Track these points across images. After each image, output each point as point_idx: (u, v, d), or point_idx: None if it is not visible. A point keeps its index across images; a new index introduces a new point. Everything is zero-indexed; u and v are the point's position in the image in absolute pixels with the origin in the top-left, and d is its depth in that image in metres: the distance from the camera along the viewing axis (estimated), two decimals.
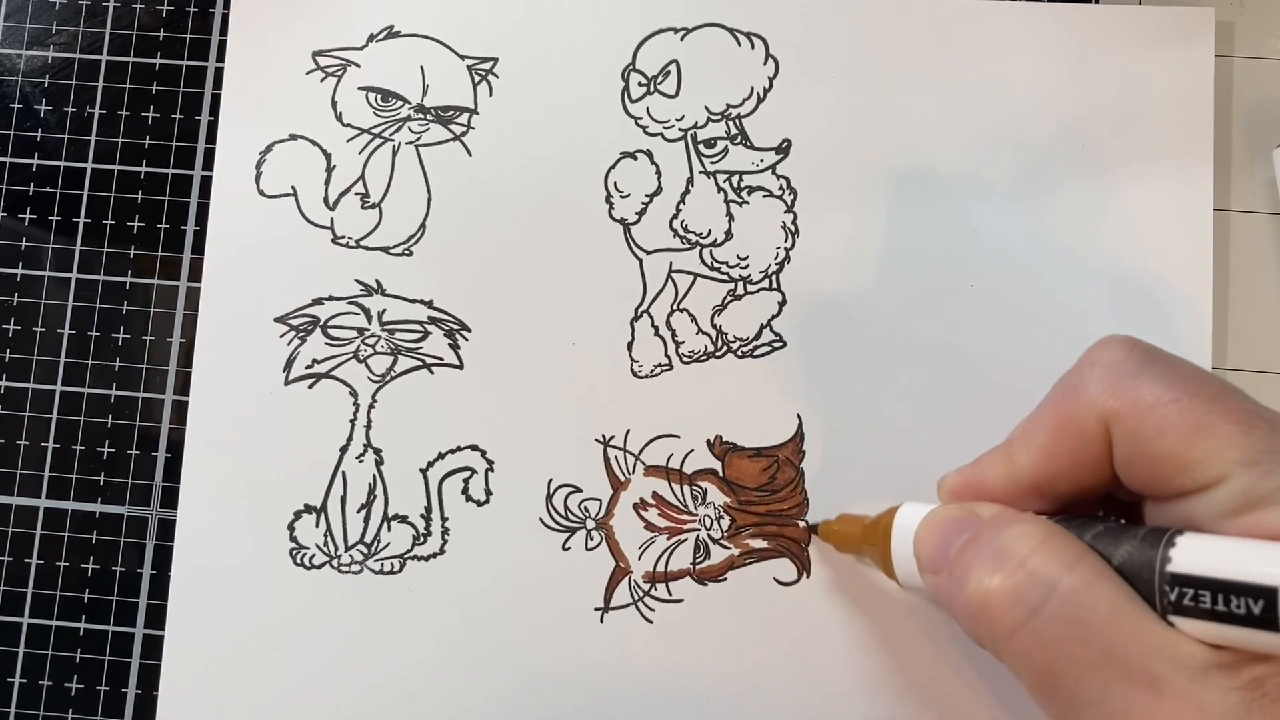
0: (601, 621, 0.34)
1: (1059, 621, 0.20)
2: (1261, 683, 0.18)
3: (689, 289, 0.36)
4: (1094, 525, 0.22)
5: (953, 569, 0.23)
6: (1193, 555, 0.19)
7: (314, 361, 0.36)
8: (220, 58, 0.38)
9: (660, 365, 0.35)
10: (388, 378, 0.35)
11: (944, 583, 0.23)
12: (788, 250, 0.35)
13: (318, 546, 0.34)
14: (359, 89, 0.37)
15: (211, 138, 0.37)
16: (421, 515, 0.35)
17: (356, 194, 0.36)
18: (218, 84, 0.38)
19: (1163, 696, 0.19)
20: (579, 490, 0.34)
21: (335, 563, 0.34)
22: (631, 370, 0.35)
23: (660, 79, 0.36)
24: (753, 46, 0.36)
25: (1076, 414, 0.22)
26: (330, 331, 0.36)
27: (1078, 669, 0.20)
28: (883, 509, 0.29)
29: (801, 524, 0.34)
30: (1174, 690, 0.19)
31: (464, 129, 0.36)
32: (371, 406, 0.35)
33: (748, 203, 0.36)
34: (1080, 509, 0.24)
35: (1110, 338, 0.23)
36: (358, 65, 0.37)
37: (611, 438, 0.35)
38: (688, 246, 0.36)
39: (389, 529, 0.35)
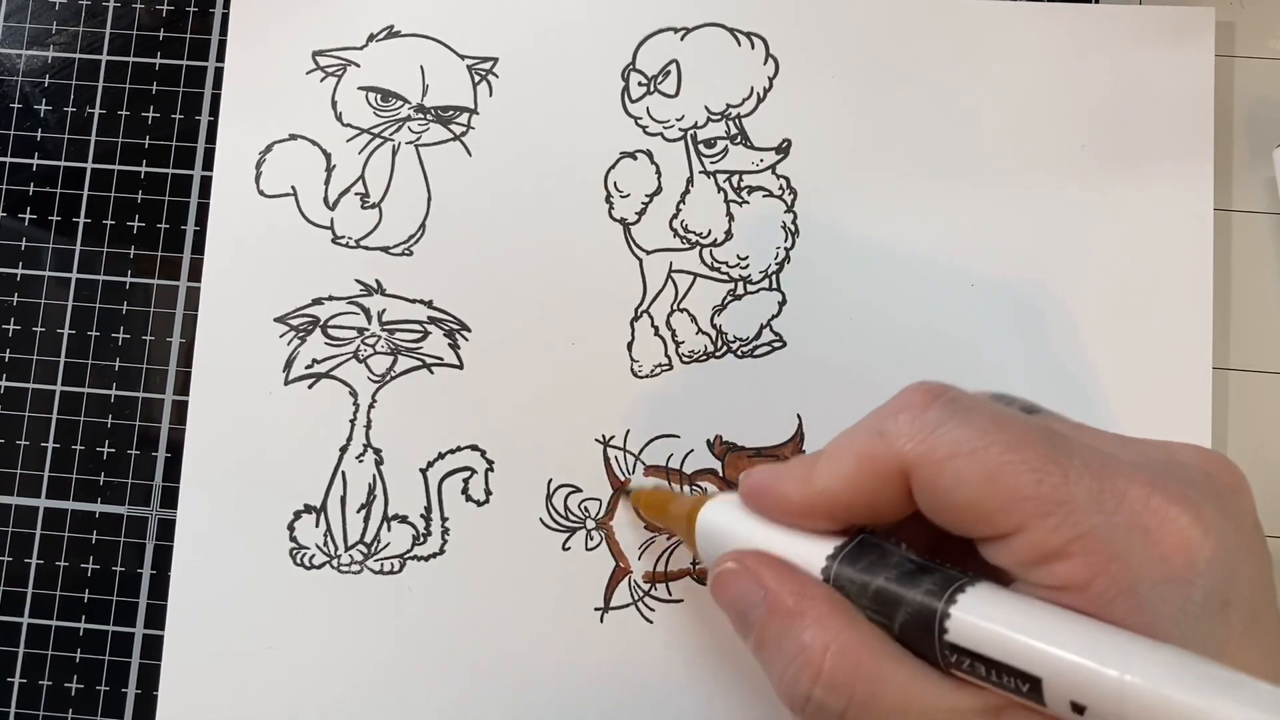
0: (601, 621, 0.34)
1: None
2: None
3: (689, 289, 0.36)
4: (880, 568, 0.22)
5: (757, 657, 0.24)
6: (968, 624, 0.20)
7: (314, 361, 0.36)
8: (220, 58, 0.38)
9: (660, 365, 0.35)
10: (388, 378, 0.35)
11: (754, 655, 0.24)
12: (788, 250, 0.35)
13: (318, 546, 0.34)
14: (359, 89, 0.37)
15: (211, 138, 0.37)
16: (421, 515, 0.35)
17: (356, 194, 0.36)
18: (218, 84, 0.38)
19: None
20: (579, 490, 0.34)
21: (335, 563, 0.34)
22: (631, 370, 0.35)
23: (660, 79, 0.36)
24: (753, 46, 0.36)
25: (878, 458, 0.22)
26: (330, 331, 0.36)
27: None
28: None
29: (622, 487, 0.34)
30: None
31: (464, 129, 0.36)
32: (371, 406, 0.35)
33: (748, 203, 0.36)
34: (880, 527, 0.24)
35: (918, 385, 0.23)
36: (358, 65, 0.37)
37: (611, 438, 0.35)
38: (688, 246, 0.36)
39: (389, 529, 0.35)
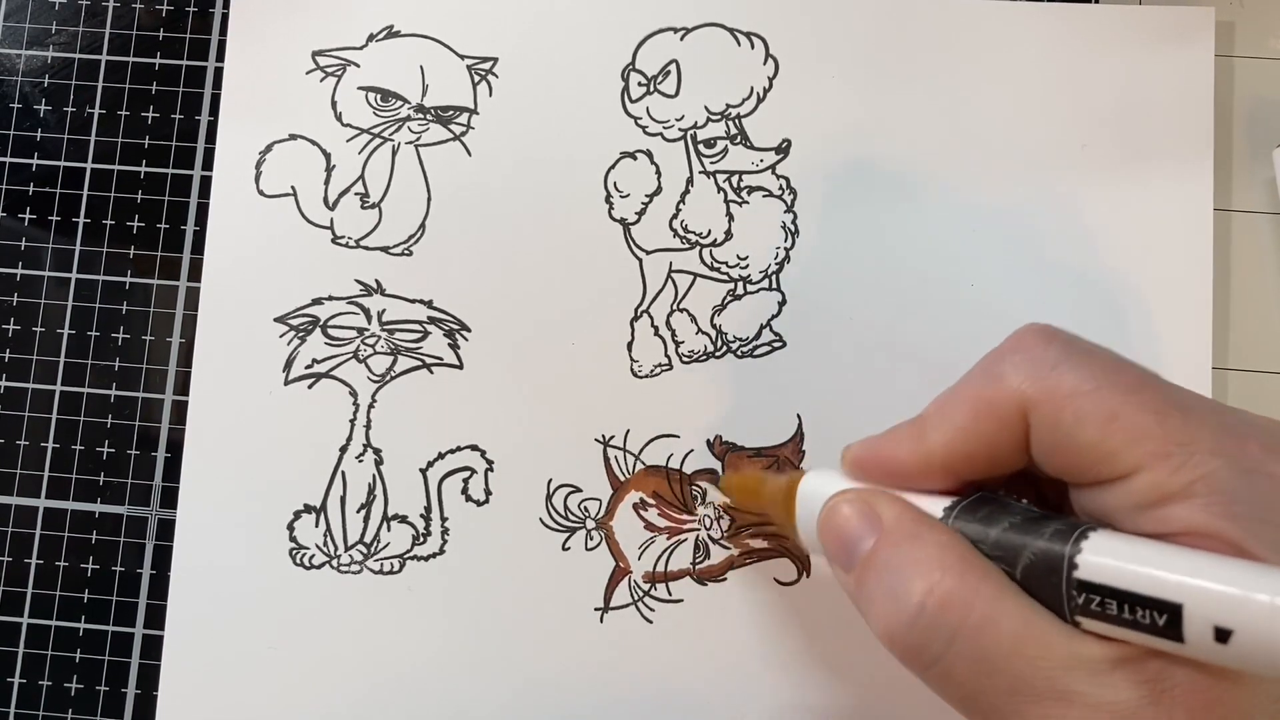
0: (601, 621, 0.34)
1: (966, 660, 0.20)
2: (1165, 676, 0.18)
3: (689, 289, 0.36)
4: (1001, 517, 0.21)
5: (859, 587, 0.23)
6: (1099, 562, 0.19)
7: (314, 361, 0.36)
8: (220, 58, 0.38)
9: (660, 365, 0.35)
10: (387, 378, 0.35)
11: (853, 592, 0.23)
12: (788, 250, 0.35)
13: (317, 546, 0.34)
14: (359, 89, 0.37)
15: (211, 138, 0.37)
16: (421, 515, 0.35)
17: (356, 194, 0.36)
18: (217, 84, 0.38)
19: (1072, 705, 0.19)
20: (579, 490, 0.34)
21: (335, 563, 0.34)
22: (631, 370, 0.35)
23: (660, 79, 0.36)
24: (753, 46, 0.36)
25: (995, 400, 0.22)
26: (330, 331, 0.36)
27: (989, 697, 0.20)
28: None
29: (704, 485, 0.34)
30: (1082, 697, 0.19)
31: (464, 129, 0.36)
32: (371, 406, 0.35)
33: (748, 203, 0.36)
34: (990, 485, 0.24)
35: (1031, 326, 0.23)
36: (357, 65, 0.37)
37: (611, 438, 0.35)
38: (688, 246, 0.36)
39: (389, 529, 0.35)
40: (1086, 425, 0.20)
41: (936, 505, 0.23)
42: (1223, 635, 0.17)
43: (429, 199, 0.36)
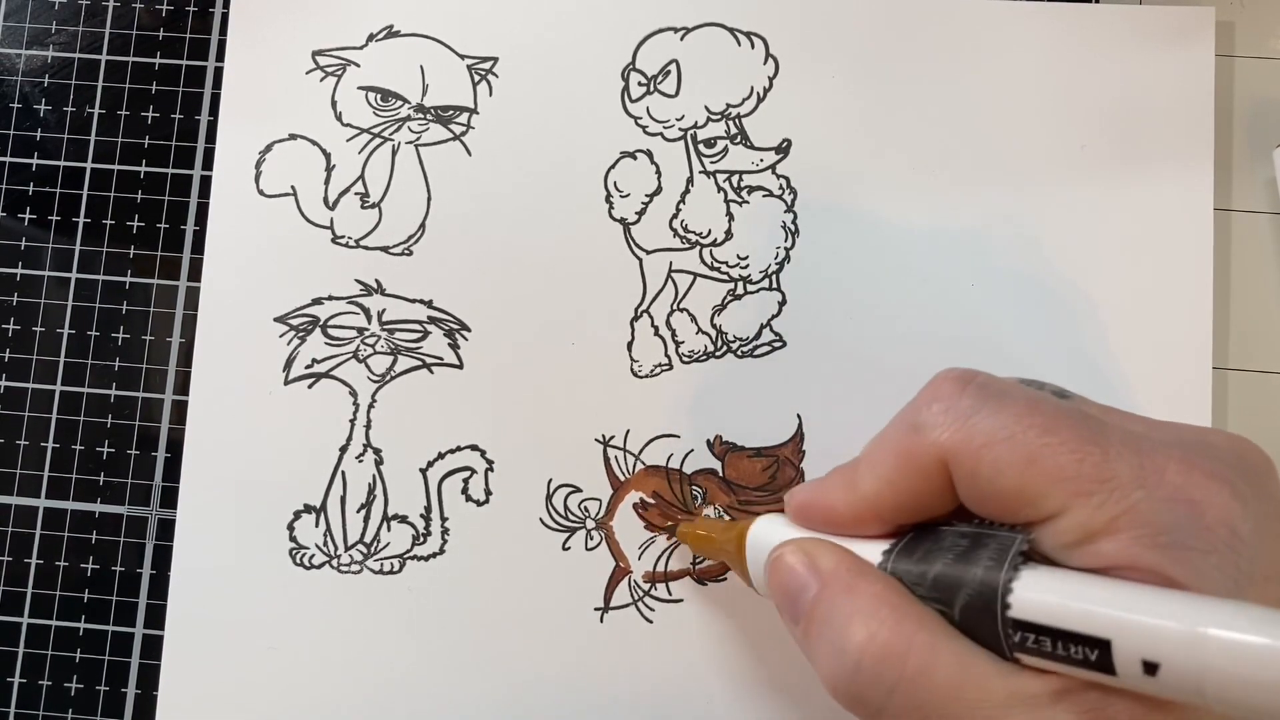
0: (601, 621, 0.34)
1: (905, 710, 0.21)
2: (1104, 706, 0.19)
3: (689, 289, 0.36)
4: (935, 558, 0.22)
5: (805, 640, 0.23)
6: (1031, 600, 0.19)
7: (314, 361, 0.36)
8: (220, 57, 0.38)
9: (660, 365, 0.35)
10: (387, 377, 0.35)
11: (802, 645, 0.24)
12: (788, 250, 0.35)
13: (317, 546, 0.34)
14: (359, 89, 0.37)
15: (211, 137, 0.37)
16: (421, 515, 0.35)
17: (356, 194, 0.36)
18: (217, 84, 0.38)
19: None
20: (579, 490, 0.34)
21: (335, 563, 0.34)
22: (631, 370, 0.35)
23: (660, 79, 0.36)
24: (753, 46, 0.36)
25: (915, 453, 0.22)
26: (330, 331, 0.36)
27: None
28: None
29: (666, 529, 0.34)
30: None
31: (464, 129, 0.36)
32: (371, 406, 0.35)
33: (748, 202, 0.36)
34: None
35: (947, 374, 0.23)
36: (357, 65, 0.37)
37: (611, 438, 0.35)
38: (688, 246, 0.36)
39: (389, 529, 0.35)
40: (1005, 473, 0.20)
41: (876, 549, 0.23)
42: (1150, 668, 0.17)
43: (429, 199, 0.36)
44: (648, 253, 0.36)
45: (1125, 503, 0.19)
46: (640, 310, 0.35)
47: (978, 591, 0.20)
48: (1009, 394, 0.21)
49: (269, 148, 0.37)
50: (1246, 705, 0.16)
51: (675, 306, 0.35)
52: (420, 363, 0.35)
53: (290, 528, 0.35)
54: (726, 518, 0.34)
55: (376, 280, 0.36)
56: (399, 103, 0.37)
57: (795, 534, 0.25)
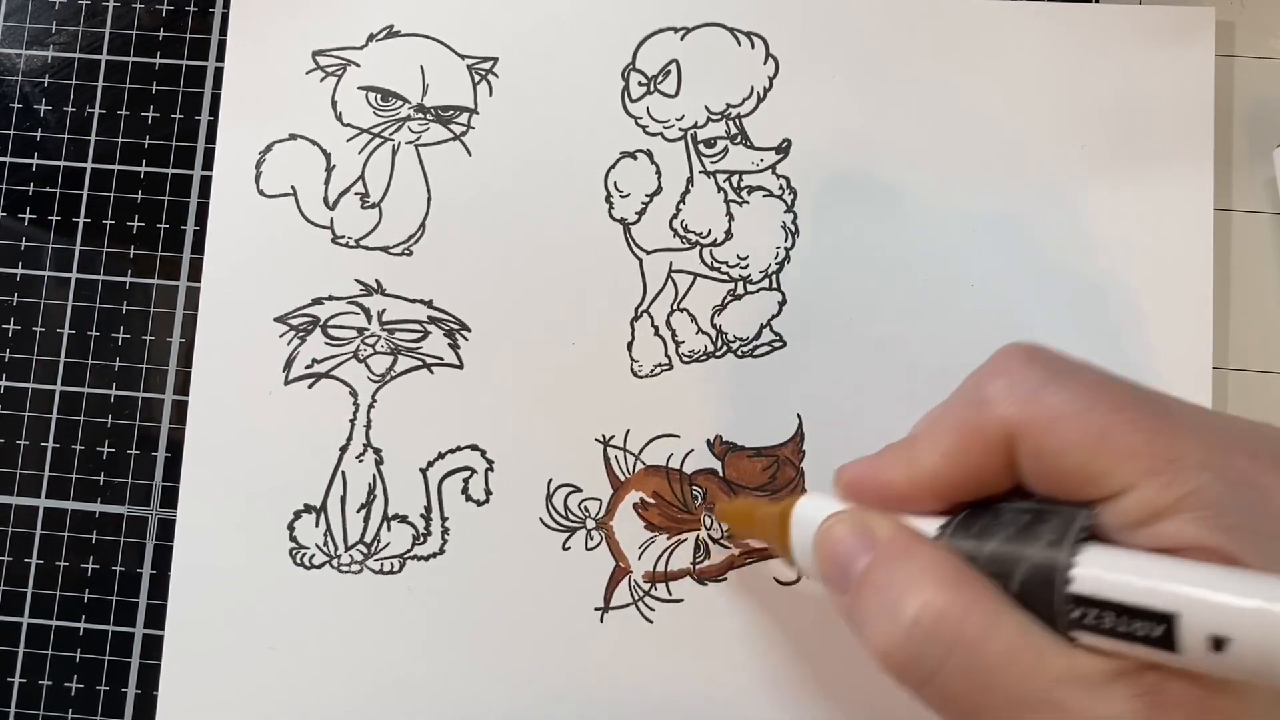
0: (601, 621, 0.34)
1: (961, 675, 0.20)
2: (1160, 688, 0.18)
3: (689, 289, 0.36)
4: (995, 530, 0.21)
5: (854, 607, 0.23)
6: (1093, 575, 0.19)
7: (314, 361, 0.36)
8: (220, 57, 0.38)
9: (660, 365, 0.35)
10: (388, 377, 0.35)
11: (848, 613, 0.23)
12: (788, 250, 0.35)
13: (317, 546, 0.34)
14: (359, 89, 0.37)
15: (211, 137, 0.37)
16: (421, 515, 0.35)
17: (356, 194, 0.36)
18: (218, 84, 0.38)
19: (1068, 717, 0.19)
20: (579, 490, 0.34)
21: (335, 563, 0.34)
22: (631, 370, 0.35)
23: (660, 79, 0.36)
24: (753, 46, 0.36)
25: (980, 427, 0.22)
26: (330, 331, 0.36)
27: (987, 714, 0.20)
28: None
29: (704, 515, 0.34)
30: (1077, 711, 0.19)
31: (464, 129, 0.36)
32: (371, 406, 0.35)
33: (748, 202, 0.36)
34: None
35: (1013, 346, 0.23)
36: (358, 65, 0.37)
37: (611, 438, 0.35)
38: (688, 246, 0.36)
39: (389, 529, 0.35)
40: (1073, 449, 0.20)
41: (931, 524, 0.23)
42: (1219, 644, 0.17)
43: (429, 199, 0.36)
44: (648, 253, 0.36)
45: (1193, 483, 0.19)
46: (640, 310, 0.35)
47: (1037, 567, 0.20)
48: (1077, 371, 0.21)
49: (269, 148, 0.37)
50: None
51: (675, 306, 0.35)
52: (420, 363, 0.35)
53: (290, 528, 0.35)
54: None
55: (376, 280, 0.36)
56: (399, 103, 0.37)
57: (846, 508, 0.24)
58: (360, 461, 0.35)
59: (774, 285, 0.35)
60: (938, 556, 0.21)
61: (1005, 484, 0.22)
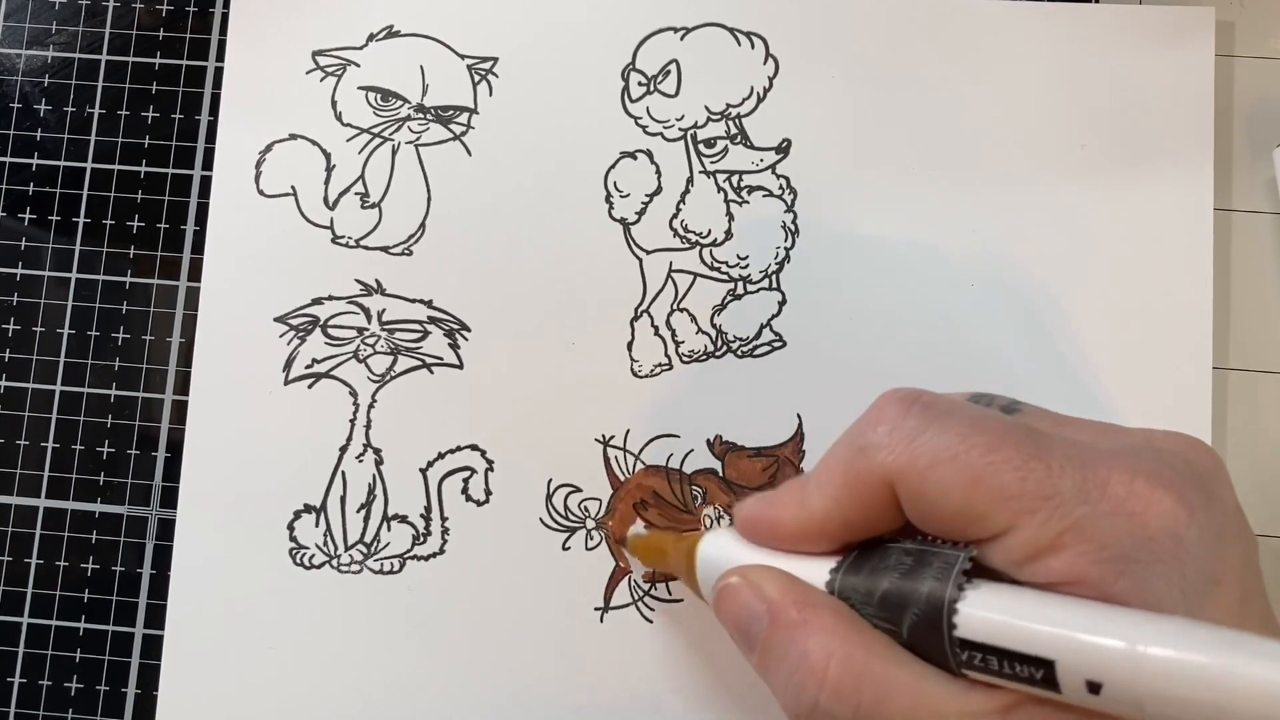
0: (601, 621, 0.34)
1: None
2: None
3: (689, 289, 0.36)
4: (882, 575, 0.22)
5: (761, 671, 0.23)
6: (976, 619, 0.19)
7: (314, 361, 0.36)
8: (220, 57, 0.38)
9: (660, 365, 0.35)
10: (387, 377, 0.35)
11: (759, 672, 0.24)
12: (788, 250, 0.35)
13: (317, 546, 0.34)
14: (359, 89, 0.37)
15: (211, 137, 0.37)
16: (421, 515, 0.35)
17: (356, 194, 0.36)
18: (218, 84, 0.38)
19: None
20: (579, 490, 0.34)
21: (335, 562, 0.34)
22: (631, 370, 0.35)
23: (660, 78, 0.36)
24: (753, 46, 0.36)
25: (862, 473, 0.22)
26: (330, 331, 0.36)
27: None
28: None
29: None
30: None
31: (464, 129, 0.36)
32: (371, 406, 0.35)
33: (748, 202, 0.36)
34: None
35: (891, 395, 0.23)
36: (357, 65, 0.37)
37: (611, 438, 0.35)
38: (688, 246, 0.36)
39: (389, 529, 0.35)
40: (950, 494, 0.20)
41: (824, 566, 0.23)
42: (1094, 687, 0.18)
43: (429, 199, 0.36)
44: (648, 253, 0.36)
45: (1069, 519, 0.19)
46: (640, 310, 0.35)
47: (924, 610, 0.20)
48: (953, 413, 0.22)
49: (269, 148, 0.37)
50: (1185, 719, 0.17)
51: (675, 306, 0.35)
52: (420, 363, 0.35)
53: (290, 528, 0.35)
54: (726, 519, 0.34)
55: (376, 280, 0.36)
56: (399, 103, 0.37)
57: (743, 553, 0.25)
58: (360, 461, 0.35)
59: (774, 285, 0.35)
60: (826, 623, 0.22)
61: (895, 524, 0.23)
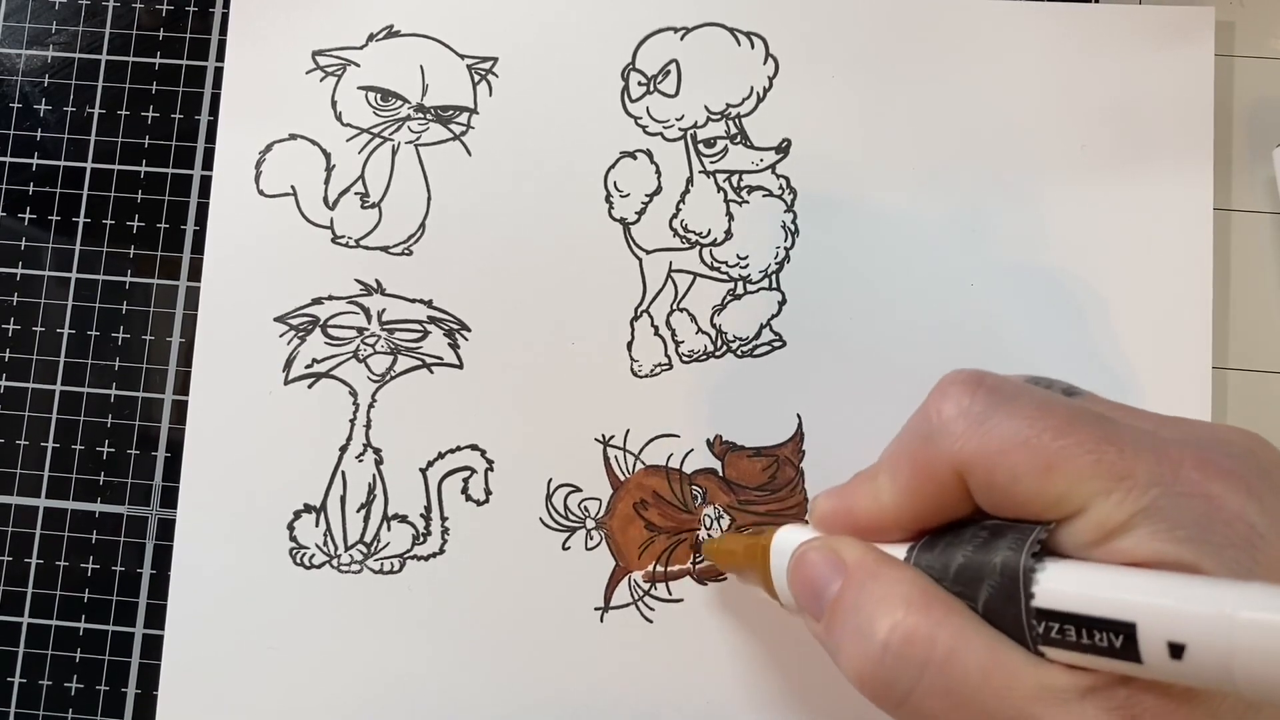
0: (601, 621, 0.34)
1: (935, 695, 0.20)
2: (1133, 702, 0.19)
3: (689, 289, 0.36)
4: (956, 552, 0.22)
5: (828, 632, 0.23)
6: (1055, 589, 0.19)
7: (314, 361, 0.36)
8: (220, 57, 0.38)
9: (660, 365, 0.35)
10: (387, 377, 0.35)
11: (824, 640, 0.23)
12: (788, 250, 0.35)
13: (317, 546, 0.34)
14: (359, 88, 0.37)
15: (211, 137, 0.37)
16: (421, 515, 0.35)
17: (356, 194, 0.36)
18: (218, 84, 0.38)
19: None
20: (579, 490, 0.34)
21: (335, 562, 0.34)
22: (631, 370, 0.35)
23: (660, 78, 0.36)
24: (753, 46, 0.36)
25: (930, 463, 0.22)
26: (330, 331, 0.36)
27: None
28: None
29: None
30: None
31: (464, 129, 0.36)
32: (371, 406, 0.35)
33: (748, 202, 0.36)
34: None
35: (954, 376, 0.23)
36: (357, 65, 0.37)
37: (611, 437, 0.35)
38: (687, 246, 0.36)
39: (389, 529, 0.35)
40: (1023, 478, 0.20)
41: (898, 551, 0.23)
42: (1177, 651, 0.17)
43: (429, 199, 0.36)
44: (648, 253, 0.36)
45: (1143, 500, 0.19)
46: (640, 310, 0.35)
47: (1000, 581, 0.20)
48: (1019, 396, 0.21)
49: (269, 148, 0.37)
50: (1275, 686, 0.16)
51: (675, 306, 0.35)
52: (420, 363, 0.35)
53: (290, 527, 0.35)
54: (726, 519, 0.34)
55: (376, 280, 0.36)
56: (399, 103, 0.37)
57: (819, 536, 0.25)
58: (360, 461, 0.35)
59: (774, 285, 0.35)
60: (905, 576, 0.22)
61: (966, 510, 0.23)
